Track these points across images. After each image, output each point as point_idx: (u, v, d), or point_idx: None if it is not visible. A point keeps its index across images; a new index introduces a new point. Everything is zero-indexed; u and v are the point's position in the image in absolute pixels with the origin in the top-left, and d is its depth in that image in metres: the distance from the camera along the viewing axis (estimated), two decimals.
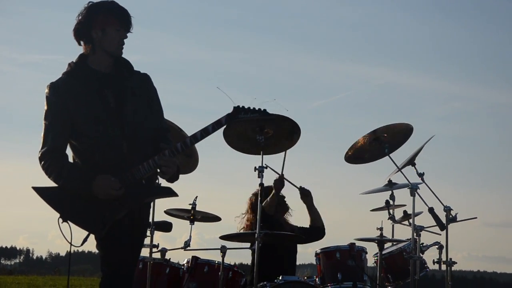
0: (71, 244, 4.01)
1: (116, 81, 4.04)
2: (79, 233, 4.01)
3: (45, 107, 4.00)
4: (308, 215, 6.86)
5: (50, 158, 3.90)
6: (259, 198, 5.66)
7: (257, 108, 4.21)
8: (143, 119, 4.07)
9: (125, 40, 4.09)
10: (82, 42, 4.03)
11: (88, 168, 3.96)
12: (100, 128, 3.93)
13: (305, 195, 6.77)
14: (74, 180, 3.90)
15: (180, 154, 4.16)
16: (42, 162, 3.90)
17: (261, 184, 5.59)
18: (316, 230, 6.84)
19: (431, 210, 5.94)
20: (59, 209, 3.89)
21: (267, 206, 6.37)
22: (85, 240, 3.88)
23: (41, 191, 3.91)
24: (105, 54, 4.02)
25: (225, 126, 4.29)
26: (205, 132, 4.07)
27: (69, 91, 3.96)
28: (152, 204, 5.30)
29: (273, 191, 6.35)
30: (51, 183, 3.91)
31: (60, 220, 3.85)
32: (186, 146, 4.08)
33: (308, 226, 6.87)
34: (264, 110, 4.24)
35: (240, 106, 4.16)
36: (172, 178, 4.09)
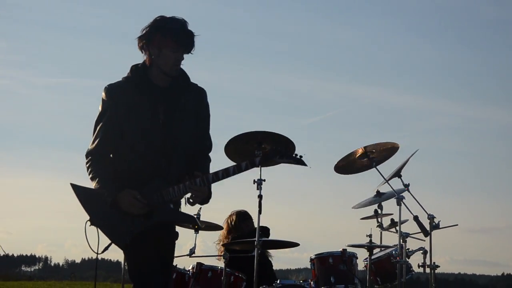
0: (98, 248, 3.86)
1: (170, 96, 3.94)
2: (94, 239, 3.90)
3: (100, 109, 3.93)
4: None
5: (92, 159, 3.87)
6: (257, 209, 5.57)
7: (297, 155, 4.01)
8: (187, 135, 3.98)
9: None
10: (141, 50, 3.92)
11: (122, 177, 3.89)
12: (144, 142, 3.88)
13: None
14: (104, 186, 3.82)
15: (210, 184, 3.94)
16: (86, 160, 3.90)
17: (260, 196, 5.56)
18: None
19: (416, 218, 5.99)
20: (90, 212, 3.83)
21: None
22: (106, 248, 3.80)
23: (78, 190, 3.86)
24: (161, 72, 3.89)
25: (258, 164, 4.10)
26: (238, 169, 3.94)
27: (123, 97, 3.91)
28: None
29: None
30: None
31: (88, 223, 3.79)
32: (217, 179, 3.90)
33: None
34: (301, 157, 4.04)
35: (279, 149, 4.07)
36: (202, 203, 4.01)
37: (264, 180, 5.54)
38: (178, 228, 5.68)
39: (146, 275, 3.83)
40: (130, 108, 3.87)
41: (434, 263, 6.19)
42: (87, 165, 3.86)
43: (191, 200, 3.84)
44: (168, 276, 4.13)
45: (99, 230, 3.75)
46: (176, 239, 4.11)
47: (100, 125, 3.87)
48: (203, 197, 3.88)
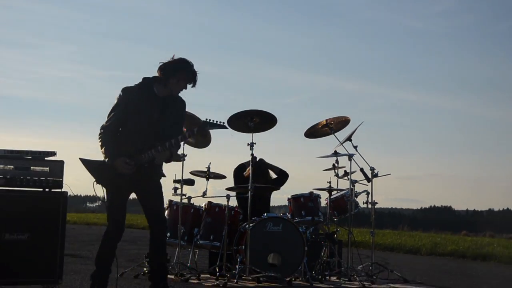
0: (104, 197, 4.76)
1: (164, 104, 4.74)
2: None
3: (116, 100, 4.71)
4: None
5: (104, 132, 4.68)
6: (250, 163, 6.60)
7: (220, 123, 4.79)
8: (170, 130, 4.70)
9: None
10: (160, 73, 4.69)
11: (121, 147, 4.61)
12: (139, 128, 4.67)
13: (263, 163, 7.53)
14: (109, 152, 4.59)
15: (168, 150, 4.57)
16: (100, 132, 4.69)
17: (252, 154, 6.62)
18: (280, 176, 7.57)
19: (361, 170, 6.98)
20: (95, 176, 4.66)
21: (246, 175, 7.15)
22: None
23: (85, 162, 4.73)
24: (168, 91, 4.73)
25: (196, 132, 4.85)
26: (183, 138, 4.76)
27: (133, 98, 4.71)
28: (181, 167, 6.62)
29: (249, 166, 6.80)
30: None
31: (95, 183, 4.67)
32: (172, 145, 4.57)
33: (276, 177, 7.58)
34: (224, 124, 4.89)
35: (208, 120, 4.76)
36: (166, 162, 4.78)
37: (255, 143, 6.62)
38: (195, 178, 6.96)
39: (118, 213, 4.81)
40: (136, 106, 4.67)
41: (374, 201, 7.14)
42: (100, 135, 4.67)
43: (155, 162, 4.60)
44: (162, 211, 4.90)
45: (102, 186, 4.69)
46: (160, 186, 4.83)
47: (114, 111, 4.68)
48: (166, 158, 4.69)
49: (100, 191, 4.69)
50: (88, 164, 4.72)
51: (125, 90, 4.73)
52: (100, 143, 4.65)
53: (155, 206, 4.80)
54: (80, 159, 4.76)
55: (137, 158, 4.57)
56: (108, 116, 4.71)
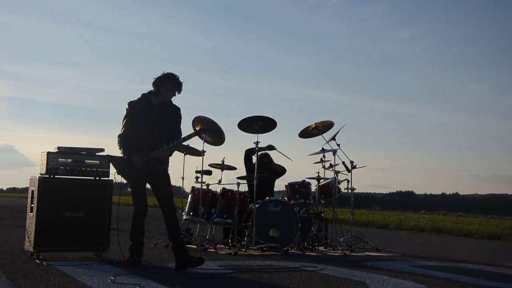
0: (122, 187, 4.76)
1: (161, 110, 4.74)
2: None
3: (125, 113, 4.74)
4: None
5: (120, 138, 4.72)
6: (256, 153, 6.68)
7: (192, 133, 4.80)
8: (167, 130, 4.71)
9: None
10: (153, 86, 4.72)
11: (135, 146, 4.63)
12: (144, 131, 4.68)
13: (268, 158, 7.45)
14: (125, 152, 4.65)
15: (170, 149, 4.62)
16: (118, 139, 4.73)
17: (256, 149, 6.67)
18: (282, 173, 7.58)
19: (343, 163, 7.02)
20: (116, 168, 4.72)
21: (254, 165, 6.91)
22: (125, 185, 4.73)
23: (111, 158, 4.82)
24: (161, 99, 4.72)
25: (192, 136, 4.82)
26: (182, 140, 4.75)
27: (137, 109, 4.73)
28: (202, 161, 6.54)
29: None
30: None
31: (115, 173, 4.72)
32: (174, 146, 4.64)
33: (281, 170, 7.56)
34: (200, 132, 5.06)
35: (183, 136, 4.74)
36: (166, 157, 4.71)
37: (260, 142, 6.66)
38: (213, 169, 6.83)
39: (140, 197, 4.77)
40: (139, 114, 4.70)
41: (352, 187, 7.18)
42: (118, 142, 4.71)
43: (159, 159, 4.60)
44: (167, 192, 4.75)
45: (121, 176, 4.71)
46: (168, 176, 4.78)
47: (125, 121, 4.74)
48: (167, 155, 4.67)
49: (120, 179, 4.71)
50: (113, 159, 4.77)
51: (130, 103, 4.78)
52: (118, 147, 4.71)
53: (164, 193, 4.75)
54: (108, 156, 4.87)
55: (147, 154, 4.59)
56: (122, 125, 4.76)
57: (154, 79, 4.72)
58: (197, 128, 5.82)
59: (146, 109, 4.71)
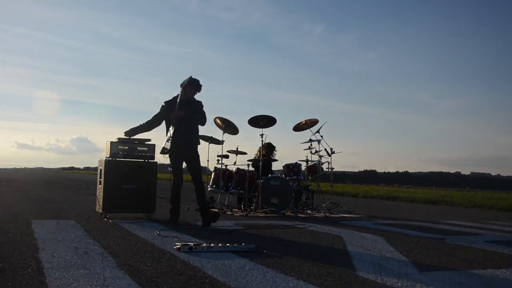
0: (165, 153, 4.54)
1: (187, 104, 4.68)
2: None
3: (160, 109, 4.75)
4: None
5: (140, 125, 4.76)
6: (261, 147, 6.64)
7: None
8: (193, 118, 4.68)
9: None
10: (182, 86, 4.66)
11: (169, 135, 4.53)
12: (176, 122, 4.60)
13: (270, 146, 7.26)
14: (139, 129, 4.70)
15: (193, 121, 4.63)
16: (149, 120, 4.73)
17: (262, 140, 6.58)
18: (275, 160, 7.32)
19: (325, 149, 6.99)
20: (161, 151, 4.58)
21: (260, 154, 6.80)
22: (164, 152, 4.53)
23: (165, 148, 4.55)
24: (187, 96, 4.69)
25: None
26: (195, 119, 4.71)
27: (169, 105, 4.70)
28: (221, 148, 6.45)
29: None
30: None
31: (159, 153, 4.62)
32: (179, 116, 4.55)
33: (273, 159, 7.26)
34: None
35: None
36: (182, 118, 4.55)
37: (264, 134, 6.57)
38: (230, 154, 6.61)
39: (178, 173, 4.68)
40: (171, 108, 4.65)
41: (332, 167, 7.12)
42: (141, 124, 4.75)
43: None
44: (197, 168, 4.74)
45: (163, 155, 4.57)
46: (198, 158, 4.72)
47: (156, 114, 4.77)
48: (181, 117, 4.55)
49: (162, 158, 4.65)
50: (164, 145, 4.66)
51: (166, 102, 4.75)
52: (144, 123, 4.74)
53: (194, 169, 4.69)
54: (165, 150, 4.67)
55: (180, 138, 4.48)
56: (156, 116, 4.77)
57: (183, 81, 4.67)
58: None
59: (175, 103, 4.67)
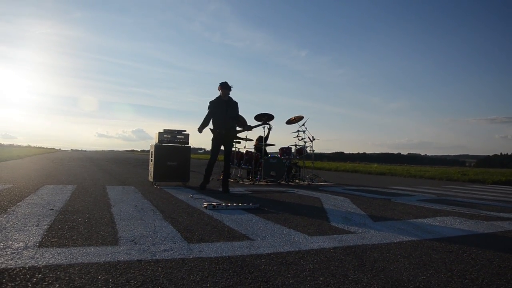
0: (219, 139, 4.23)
1: (227, 103, 4.38)
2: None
3: (208, 107, 4.37)
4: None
5: (203, 122, 4.39)
6: (263, 136, 6.21)
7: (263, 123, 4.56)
8: (232, 115, 4.40)
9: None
10: (219, 89, 4.37)
11: (215, 126, 4.36)
12: (220, 116, 4.35)
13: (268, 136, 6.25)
14: (200, 128, 4.33)
15: (244, 130, 4.43)
16: (202, 122, 4.38)
17: (264, 132, 6.16)
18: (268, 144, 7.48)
19: (309, 137, 6.74)
20: (214, 137, 4.38)
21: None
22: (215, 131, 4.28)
23: (212, 131, 4.37)
24: (223, 96, 4.38)
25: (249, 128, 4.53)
26: (248, 128, 4.52)
27: (214, 105, 4.38)
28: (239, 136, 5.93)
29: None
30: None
31: (213, 138, 4.37)
32: (242, 130, 4.47)
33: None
34: (264, 123, 4.69)
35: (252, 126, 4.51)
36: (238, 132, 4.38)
37: (266, 126, 6.05)
38: (242, 140, 6.27)
39: (215, 152, 4.41)
40: (215, 107, 4.36)
41: (313, 150, 6.91)
42: (203, 121, 4.36)
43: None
44: (229, 152, 4.42)
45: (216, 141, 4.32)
46: (232, 142, 4.40)
47: (208, 113, 4.40)
48: (237, 133, 4.38)
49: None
50: (214, 133, 4.38)
51: (210, 102, 4.41)
52: (200, 127, 4.38)
53: (228, 151, 4.45)
54: (210, 128, 4.38)
55: (222, 128, 4.28)
56: (206, 116, 4.43)
57: (219, 85, 4.34)
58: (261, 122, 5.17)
59: (218, 104, 4.37)
